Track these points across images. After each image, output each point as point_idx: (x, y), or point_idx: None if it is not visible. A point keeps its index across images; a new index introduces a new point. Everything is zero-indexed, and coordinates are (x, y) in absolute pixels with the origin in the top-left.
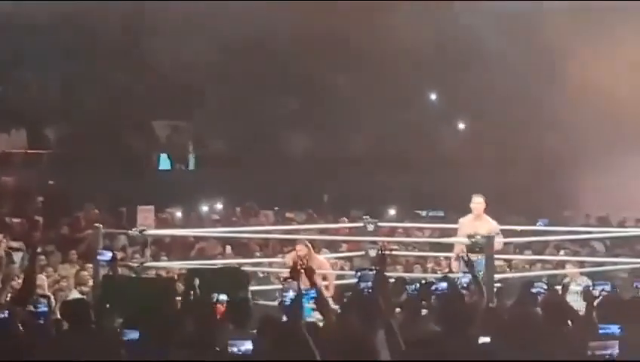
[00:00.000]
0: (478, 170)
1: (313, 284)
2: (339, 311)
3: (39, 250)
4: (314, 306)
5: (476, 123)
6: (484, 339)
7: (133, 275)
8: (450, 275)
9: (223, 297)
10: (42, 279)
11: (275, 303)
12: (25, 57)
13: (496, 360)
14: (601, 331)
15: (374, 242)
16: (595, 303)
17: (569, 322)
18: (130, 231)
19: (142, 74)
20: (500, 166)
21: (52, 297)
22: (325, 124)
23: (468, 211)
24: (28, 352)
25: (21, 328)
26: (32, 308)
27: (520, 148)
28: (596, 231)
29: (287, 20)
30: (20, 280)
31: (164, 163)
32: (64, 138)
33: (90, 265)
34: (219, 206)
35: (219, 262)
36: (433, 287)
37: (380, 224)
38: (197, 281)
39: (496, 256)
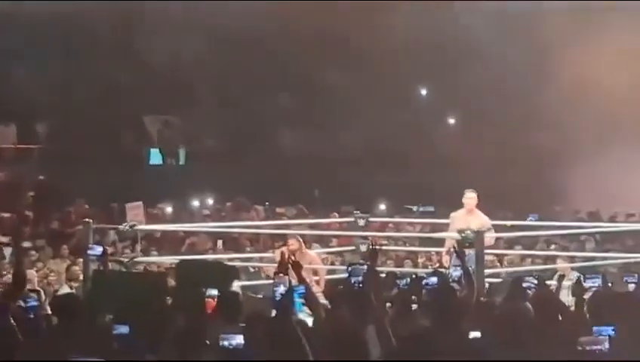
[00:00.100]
0: (469, 166)
1: (301, 280)
2: (329, 306)
3: (30, 244)
4: (304, 301)
5: (467, 120)
6: (475, 334)
7: (124, 270)
8: (441, 270)
9: (214, 292)
10: (32, 274)
11: (260, 296)
12: (14, 52)
13: (486, 354)
14: (595, 333)
15: (365, 237)
16: (585, 298)
17: (559, 317)
18: (120, 227)
19: (133, 69)
20: (490, 162)
21: (42, 292)
22: (316, 119)
23: (458, 206)
24: (18, 347)
25: (13, 322)
26: (21, 302)
27: (511, 144)
28: (587, 226)
29: (279, 15)
30: (10, 275)
31: (155, 157)
32: (54, 133)
33: (82, 260)
34: (209, 201)
35: (209, 257)
36: (424, 282)
37: (370, 219)
38: (187, 276)
39: (487, 250)
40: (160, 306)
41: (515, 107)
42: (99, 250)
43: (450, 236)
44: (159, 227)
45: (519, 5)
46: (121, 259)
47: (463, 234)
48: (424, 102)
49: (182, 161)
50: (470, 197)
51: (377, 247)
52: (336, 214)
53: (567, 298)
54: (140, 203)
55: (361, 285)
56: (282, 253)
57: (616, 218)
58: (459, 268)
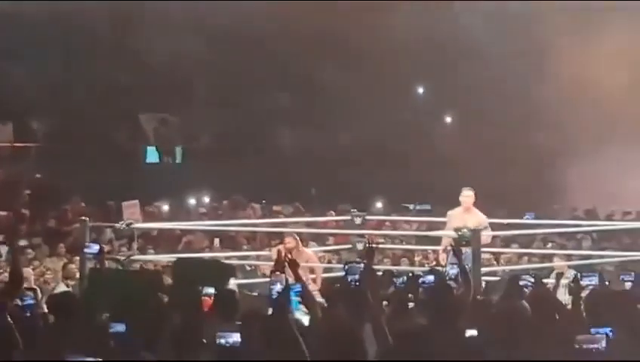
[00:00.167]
0: (466, 165)
1: (298, 278)
2: (326, 304)
3: (26, 243)
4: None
5: (464, 118)
6: (472, 332)
7: (120, 268)
8: (438, 268)
9: (210, 290)
10: (29, 272)
11: (254, 293)
12: (10, 51)
13: (483, 352)
14: (592, 333)
15: (362, 235)
16: (582, 296)
17: (556, 315)
18: (117, 225)
19: (130, 67)
20: (488, 161)
21: (38, 290)
22: (313, 118)
23: (455, 205)
24: (15, 345)
25: (10, 320)
26: (18, 301)
27: (508, 143)
28: (584, 225)
29: (277, 14)
30: (7, 274)
31: (152, 156)
32: (51, 131)
33: (78, 259)
34: (206, 199)
35: (206, 255)
36: (420, 280)
37: (367, 217)
38: (183, 274)
39: (484, 249)
40: (156, 304)
41: (512, 106)
42: (95, 248)
43: (447, 234)
44: (156, 225)
45: (517, 4)
46: (118, 257)
47: (459, 233)
48: (421, 101)
49: (178, 159)
50: (467, 195)
51: (374, 246)
52: (333, 212)
53: (564, 296)
54: (137, 201)
55: (357, 283)
56: (279, 251)
57: (613, 216)
58: (456, 266)
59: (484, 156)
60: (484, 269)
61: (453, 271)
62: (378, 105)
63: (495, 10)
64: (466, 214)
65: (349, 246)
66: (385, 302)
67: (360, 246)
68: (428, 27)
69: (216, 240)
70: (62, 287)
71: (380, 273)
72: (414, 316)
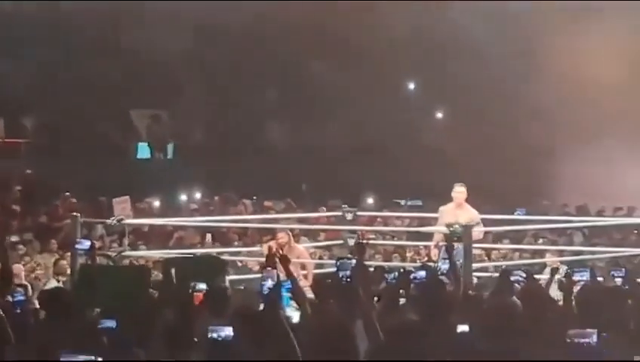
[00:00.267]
0: (457, 160)
1: (289, 274)
2: (317, 300)
3: (17, 239)
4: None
5: (455, 113)
6: (463, 328)
7: (112, 264)
8: (429, 264)
9: (202, 285)
10: (19, 268)
11: (241, 287)
12: (0, 46)
13: (474, 348)
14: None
15: (353, 231)
16: (574, 291)
17: (547, 310)
18: (108, 221)
19: (121, 63)
20: (478, 155)
21: (29, 286)
22: (304, 113)
23: (447, 200)
24: (7, 341)
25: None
26: (9, 297)
27: (499, 137)
28: (575, 221)
29: (267, 9)
30: None
31: (143, 152)
32: (42, 127)
33: (69, 254)
34: (197, 195)
35: (198, 251)
36: (412, 276)
37: (358, 213)
38: (174, 270)
39: (475, 245)
40: (148, 300)
41: (504, 103)
42: (86, 244)
43: (439, 230)
44: (147, 221)
45: (513, 3)
46: (109, 253)
47: (451, 228)
48: (412, 97)
49: (170, 155)
50: (459, 191)
51: (365, 241)
52: (324, 208)
53: (555, 292)
54: (128, 197)
55: (349, 279)
56: (270, 247)
57: (603, 212)
58: (447, 261)
59: (476, 152)
60: (475, 265)
61: (445, 266)
62: (370, 102)
63: (492, 10)
64: (458, 210)
65: (341, 242)
66: (376, 298)
67: (351, 242)
68: (420, 23)
69: (208, 236)
70: (53, 283)
71: (371, 269)
72: (406, 312)
